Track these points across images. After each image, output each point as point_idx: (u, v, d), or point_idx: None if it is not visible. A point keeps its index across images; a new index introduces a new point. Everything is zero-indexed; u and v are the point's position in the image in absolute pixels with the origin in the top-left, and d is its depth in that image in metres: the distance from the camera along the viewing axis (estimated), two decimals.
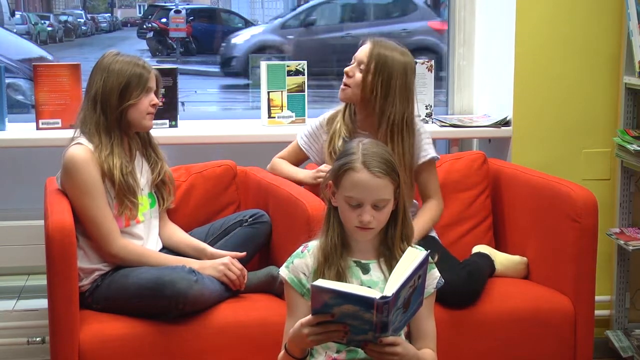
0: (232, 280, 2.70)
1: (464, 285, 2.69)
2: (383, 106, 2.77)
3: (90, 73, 2.79)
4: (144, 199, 2.81)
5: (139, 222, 2.79)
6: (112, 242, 2.67)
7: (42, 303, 2.92)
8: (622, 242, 3.23)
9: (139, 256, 2.70)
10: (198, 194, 3.09)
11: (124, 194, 2.71)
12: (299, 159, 3.06)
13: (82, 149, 2.68)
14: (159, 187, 2.87)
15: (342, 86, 2.86)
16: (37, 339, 3.17)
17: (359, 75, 2.80)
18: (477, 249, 3.00)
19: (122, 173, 2.70)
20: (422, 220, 2.85)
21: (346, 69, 2.85)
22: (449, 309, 2.66)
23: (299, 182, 2.93)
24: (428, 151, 2.88)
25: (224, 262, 2.71)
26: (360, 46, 2.84)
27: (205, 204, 3.09)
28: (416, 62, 2.84)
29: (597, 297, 2.85)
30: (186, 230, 2.94)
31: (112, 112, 2.72)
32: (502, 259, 2.96)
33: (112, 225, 2.68)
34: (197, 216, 3.05)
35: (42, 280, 2.77)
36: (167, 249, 2.87)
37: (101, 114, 2.72)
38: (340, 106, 2.94)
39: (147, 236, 2.81)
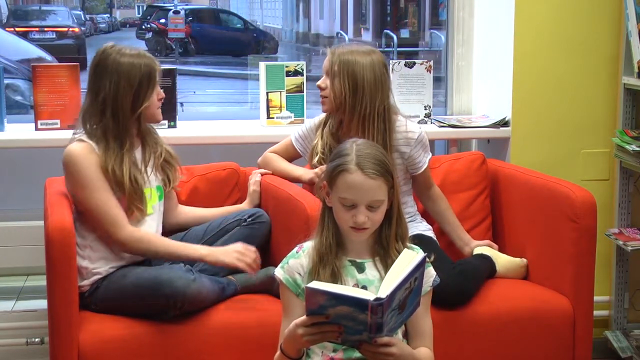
0: (248, 264, 2.65)
1: (454, 285, 2.67)
2: (353, 102, 2.78)
3: (94, 72, 2.69)
4: (152, 192, 2.79)
5: (148, 215, 2.77)
6: (119, 230, 2.63)
7: (41, 304, 2.92)
8: (620, 242, 3.23)
9: (147, 243, 2.67)
10: (202, 197, 3.07)
11: (132, 201, 2.70)
12: (291, 157, 3.06)
13: (80, 145, 2.66)
14: (164, 168, 2.83)
15: (321, 100, 2.89)
16: (36, 340, 3.16)
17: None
18: (479, 250, 3.00)
19: (131, 181, 2.68)
20: (453, 218, 3.01)
21: (318, 83, 2.88)
22: (440, 309, 2.65)
23: (296, 179, 2.94)
24: (424, 159, 2.92)
25: (236, 249, 2.68)
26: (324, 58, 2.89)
27: (208, 206, 3.05)
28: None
29: (596, 298, 2.85)
30: (183, 230, 2.93)
31: (125, 117, 2.68)
32: (503, 261, 2.95)
33: (118, 213, 2.64)
34: None
35: (40, 281, 2.77)
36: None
37: (111, 119, 2.67)
38: None
39: (156, 228, 2.80)
